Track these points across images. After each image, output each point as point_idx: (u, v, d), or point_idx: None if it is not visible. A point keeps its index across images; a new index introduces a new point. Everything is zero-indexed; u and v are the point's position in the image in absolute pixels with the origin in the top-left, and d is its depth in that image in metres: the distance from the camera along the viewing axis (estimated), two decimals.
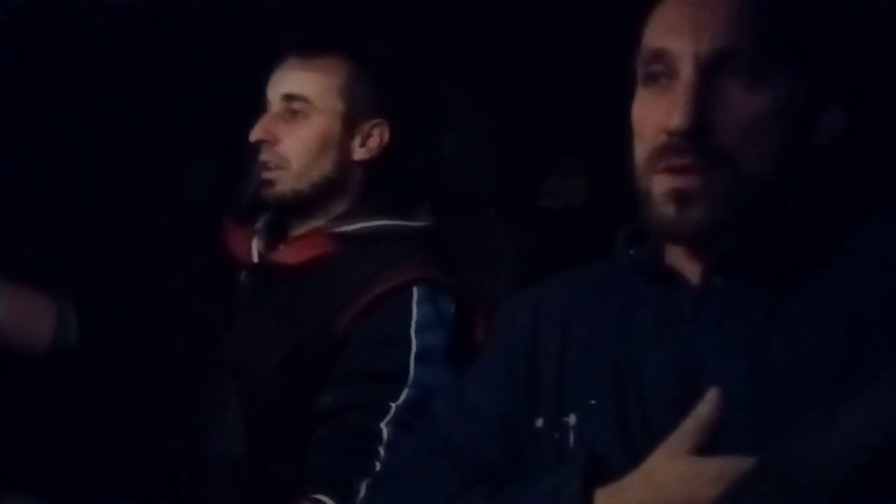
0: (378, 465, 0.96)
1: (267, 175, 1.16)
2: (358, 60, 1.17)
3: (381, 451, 0.98)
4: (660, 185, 0.73)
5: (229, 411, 1.11)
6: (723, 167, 0.71)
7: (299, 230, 1.18)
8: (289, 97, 1.15)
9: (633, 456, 0.71)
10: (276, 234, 1.21)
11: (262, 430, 1.09)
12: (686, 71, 0.72)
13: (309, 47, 1.17)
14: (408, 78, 1.23)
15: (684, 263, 0.77)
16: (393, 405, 1.01)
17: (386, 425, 0.99)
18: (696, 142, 0.71)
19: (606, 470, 0.70)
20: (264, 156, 1.16)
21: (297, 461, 1.03)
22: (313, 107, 1.15)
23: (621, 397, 0.75)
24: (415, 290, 1.07)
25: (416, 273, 1.08)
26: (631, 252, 0.81)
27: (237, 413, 1.11)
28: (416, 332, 1.05)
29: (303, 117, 1.15)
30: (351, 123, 1.16)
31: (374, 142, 1.18)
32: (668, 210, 0.73)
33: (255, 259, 1.19)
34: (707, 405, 0.63)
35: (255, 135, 1.16)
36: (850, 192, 0.81)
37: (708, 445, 0.63)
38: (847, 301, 0.69)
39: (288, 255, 1.16)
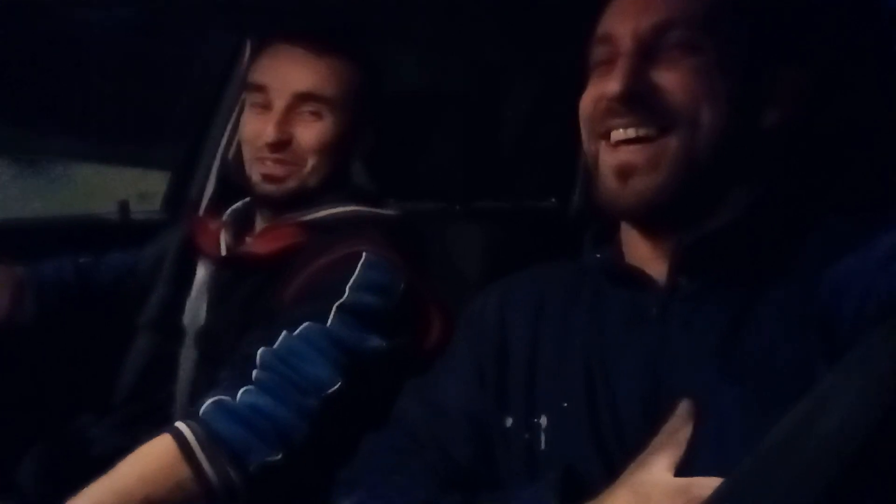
0: (246, 387, 0.93)
1: (273, 171, 1.12)
2: (363, 63, 1.15)
3: (254, 372, 0.94)
4: (605, 159, 0.74)
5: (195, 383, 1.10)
6: (667, 135, 0.72)
7: (269, 221, 1.17)
8: (304, 96, 1.11)
9: (605, 459, 0.70)
10: (243, 226, 1.19)
11: None
12: (625, 46, 0.73)
13: (322, 42, 1.13)
14: (386, 81, 1.22)
15: (649, 263, 0.77)
16: (285, 332, 0.96)
17: (264, 349, 0.95)
18: (633, 105, 0.71)
19: (579, 477, 0.69)
20: (276, 154, 1.11)
21: None
22: (331, 109, 1.11)
23: (592, 400, 0.74)
24: (363, 255, 1.04)
25: (368, 245, 1.06)
26: (598, 256, 0.81)
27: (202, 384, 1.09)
28: (350, 287, 1.01)
29: (318, 118, 1.11)
30: (358, 125, 1.15)
31: (365, 145, 1.18)
32: (611, 183, 0.74)
33: (224, 252, 1.16)
34: (679, 419, 0.63)
35: (270, 134, 1.10)
36: (815, 187, 0.82)
37: (682, 460, 0.63)
38: (817, 299, 0.69)
39: (257, 246, 1.13)
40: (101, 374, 1.24)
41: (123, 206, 1.59)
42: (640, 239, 0.78)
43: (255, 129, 1.12)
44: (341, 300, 1.00)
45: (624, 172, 0.73)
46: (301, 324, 0.98)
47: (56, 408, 1.24)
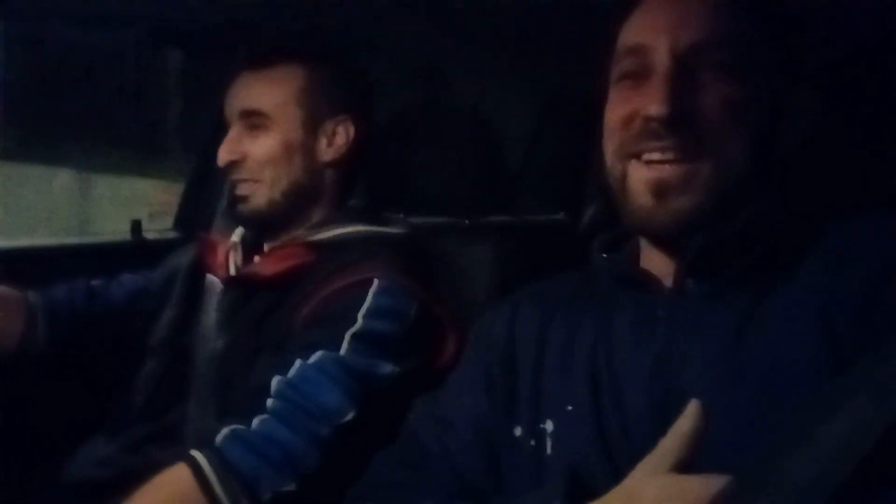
0: (262, 417, 0.94)
1: (240, 192, 1.15)
2: (311, 65, 1.17)
3: (269, 401, 0.95)
4: (637, 176, 0.74)
5: (210, 427, 1.09)
6: (701, 157, 0.72)
7: (276, 241, 1.17)
8: (247, 113, 1.15)
9: (612, 463, 0.70)
10: (252, 247, 1.20)
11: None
12: (663, 63, 0.72)
13: (260, 60, 1.17)
14: (363, 72, 1.23)
15: (659, 267, 0.77)
16: (300, 362, 0.97)
17: (279, 379, 0.96)
18: (674, 130, 0.71)
19: (586, 481, 0.69)
20: (235, 174, 1.15)
21: None
22: (272, 120, 1.14)
23: (599, 403, 0.74)
24: (375, 282, 1.05)
25: (379, 272, 1.06)
26: (605, 256, 0.81)
27: (217, 428, 1.09)
28: (363, 315, 1.02)
29: (263, 130, 1.14)
30: (313, 127, 1.16)
31: (340, 139, 1.17)
32: (645, 201, 0.73)
33: (233, 272, 1.17)
34: (687, 419, 0.62)
35: (222, 158, 1.15)
36: (823, 190, 0.82)
37: (690, 461, 0.62)
38: (824, 302, 0.69)
39: (265, 266, 1.14)
40: (111, 396, 1.24)
41: (136, 226, 1.60)
42: (652, 244, 0.79)
43: (219, 153, 1.16)
44: (354, 328, 1.00)
45: (659, 191, 0.72)
46: (315, 352, 0.98)
47: (66, 430, 1.24)
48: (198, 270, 1.23)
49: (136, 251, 1.53)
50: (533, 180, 2.06)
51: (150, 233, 1.66)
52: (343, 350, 0.99)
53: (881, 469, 0.46)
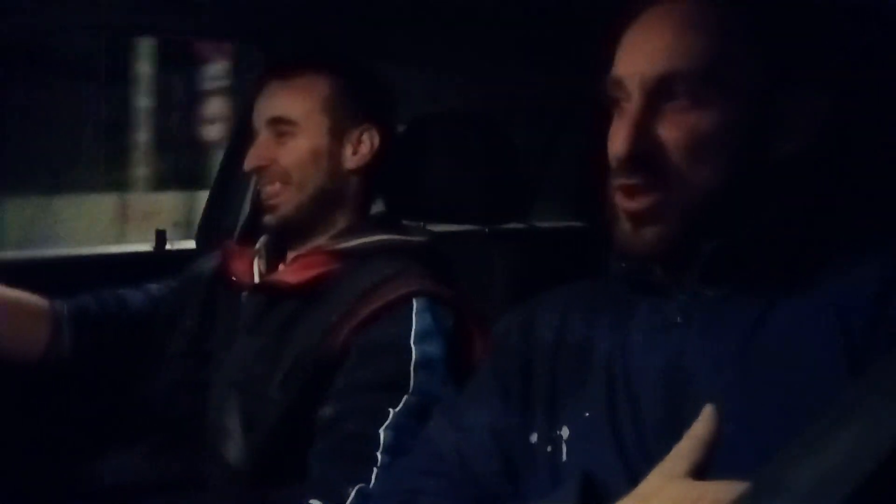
0: (375, 471, 0.96)
1: (269, 198, 1.18)
2: (337, 73, 1.20)
3: (380, 456, 0.98)
4: (619, 205, 0.77)
5: (230, 433, 1.11)
6: (671, 187, 0.74)
7: (300, 249, 1.20)
8: (275, 121, 1.18)
9: (628, 468, 0.71)
10: (276, 254, 1.22)
11: (264, 450, 1.09)
12: (634, 97, 0.75)
13: (288, 69, 1.20)
14: (385, 82, 1.26)
15: (674, 274, 0.78)
16: (392, 411, 1.00)
17: (384, 430, 0.99)
18: (638, 165, 0.74)
19: (601, 486, 0.69)
20: (263, 180, 1.19)
21: (300, 477, 1.02)
22: (300, 127, 1.17)
23: (614, 409, 0.75)
24: (414, 302, 1.07)
25: (415, 286, 1.09)
26: (623, 265, 0.83)
27: (241, 433, 1.11)
28: (415, 342, 1.05)
29: (290, 137, 1.18)
30: (339, 134, 1.19)
31: (364, 148, 1.20)
32: (625, 228, 0.77)
33: (257, 279, 1.19)
34: (703, 424, 0.62)
35: (249, 164, 1.19)
36: (838, 199, 0.83)
37: (705, 466, 0.62)
38: (839, 307, 0.70)
39: (290, 274, 1.16)
40: (133, 403, 1.26)
41: (160, 236, 1.62)
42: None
43: (247, 158, 1.20)
44: (414, 359, 1.03)
45: (633, 220, 0.76)
46: (387, 393, 1.01)
47: (88, 437, 1.26)
48: (221, 278, 1.24)
49: (160, 262, 1.55)
50: (550, 188, 2.07)
51: (174, 244, 1.67)
52: (412, 385, 1.02)
53: (892, 479, 0.47)
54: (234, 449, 1.10)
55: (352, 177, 1.20)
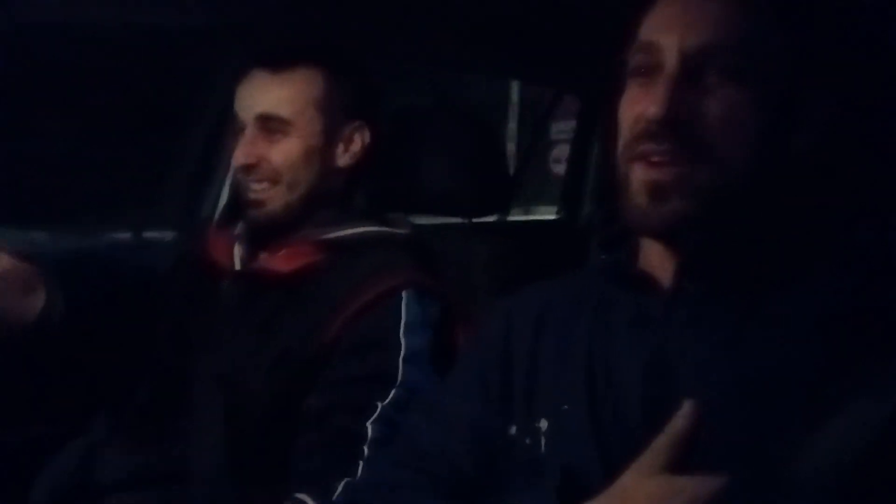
0: (362, 465, 0.96)
1: (256, 195, 1.14)
2: (329, 68, 1.16)
3: (366, 449, 0.97)
4: (635, 176, 0.74)
5: (214, 424, 1.10)
6: (699, 161, 0.72)
7: (283, 237, 1.17)
8: (265, 118, 1.14)
9: (607, 462, 0.70)
10: (258, 241, 1.19)
11: (249, 442, 1.08)
12: (670, 63, 0.72)
13: (279, 60, 1.15)
14: (373, 77, 1.23)
15: (657, 268, 0.78)
16: (379, 404, 1.00)
17: (372, 424, 0.98)
18: (672, 132, 0.71)
19: (580, 480, 0.70)
20: (251, 177, 1.14)
21: (286, 470, 1.02)
22: (292, 125, 1.13)
23: (594, 402, 0.75)
24: (402, 295, 1.07)
25: (403, 278, 1.08)
26: (603, 257, 0.82)
27: (223, 425, 1.09)
28: (403, 334, 1.04)
29: (282, 135, 1.14)
30: (332, 133, 1.16)
31: (356, 146, 1.18)
32: (641, 201, 0.73)
33: (239, 266, 1.17)
34: (681, 419, 0.62)
35: (238, 160, 1.14)
36: (827, 196, 0.82)
37: (683, 461, 0.62)
38: (821, 305, 0.69)
39: (276, 262, 1.14)
40: (113, 392, 1.24)
41: (136, 225, 1.60)
42: (653, 244, 0.79)
43: (234, 154, 1.15)
44: (403, 352, 1.03)
45: (653, 192, 0.72)
46: (373, 385, 1.01)
47: (73, 413, 1.24)
48: (201, 264, 1.22)
49: (138, 252, 1.53)
50: (532, 180, 2.07)
51: (151, 234, 1.65)
52: (400, 378, 1.01)
53: (878, 470, 0.47)
54: (217, 441, 1.09)
55: (341, 174, 1.18)
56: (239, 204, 1.20)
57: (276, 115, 1.13)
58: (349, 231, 1.15)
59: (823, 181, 0.82)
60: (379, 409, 0.99)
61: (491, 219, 1.57)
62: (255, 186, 1.14)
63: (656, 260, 0.78)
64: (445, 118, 1.38)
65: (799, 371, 0.67)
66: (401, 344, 1.03)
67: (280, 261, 1.13)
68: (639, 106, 0.74)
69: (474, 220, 1.45)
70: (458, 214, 1.42)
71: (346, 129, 1.17)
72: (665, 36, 0.73)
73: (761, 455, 0.51)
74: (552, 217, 2.12)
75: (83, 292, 1.19)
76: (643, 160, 0.73)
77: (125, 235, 1.61)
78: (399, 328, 1.04)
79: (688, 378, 0.71)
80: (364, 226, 1.15)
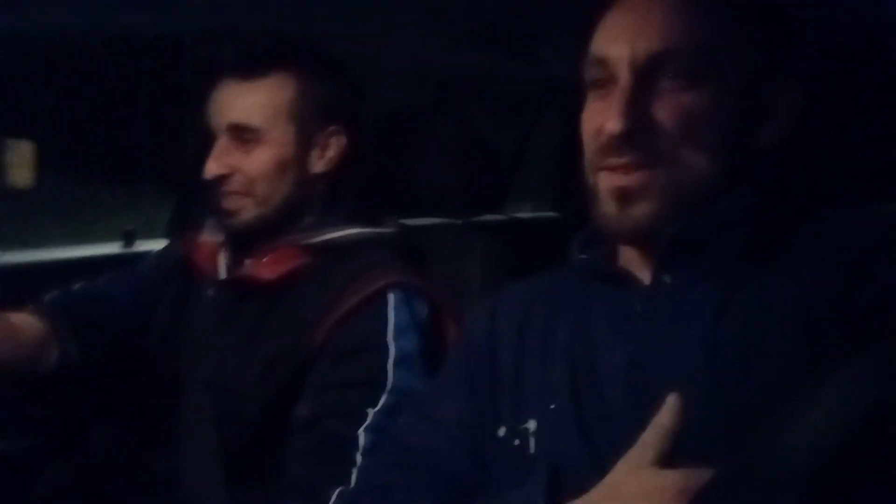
0: (355, 473, 0.95)
1: (230, 205, 1.13)
2: (301, 74, 1.14)
3: (359, 457, 0.96)
4: (603, 184, 0.75)
5: (205, 431, 1.09)
6: (662, 165, 0.73)
7: (266, 244, 1.16)
8: (236, 127, 1.12)
9: (595, 459, 0.70)
10: (242, 248, 1.18)
11: (240, 448, 1.08)
12: (623, 76, 0.73)
13: (247, 69, 1.13)
14: (354, 78, 1.20)
15: (635, 264, 0.78)
16: (371, 411, 0.99)
17: (364, 431, 0.98)
18: (632, 143, 0.72)
19: (569, 479, 0.69)
20: (224, 187, 1.12)
21: (277, 476, 1.02)
22: (263, 134, 1.11)
23: (579, 399, 0.75)
24: (389, 297, 1.06)
25: (390, 279, 1.07)
26: (582, 256, 0.82)
27: (213, 432, 1.09)
28: (392, 338, 1.03)
29: (254, 144, 1.12)
30: (306, 140, 1.14)
31: (332, 151, 1.15)
32: (610, 208, 0.75)
33: (224, 274, 1.16)
34: (667, 413, 0.63)
35: (209, 171, 1.12)
36: (799, 185, 0.82)
37: (670, 454, 0.63)
38: (799, 295, 0.69)
39: (263, 269, 1.13)
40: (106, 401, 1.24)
41: (128, 236, 1.59)
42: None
43: (206, 165, 1.13)
44: (392, 357, 1.02)
45: (620, 196, 0.74)
46: (361, 390, 1.00)
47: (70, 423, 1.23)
48: (187, 271, 1.21)
49: (130, 262, 1.53)
50: (524, 178, 2.07)
51: (143, 244, 1.65)
52: (391, 382, 1.00)
53: (858, 461, 0.47)
54: (207, 447, 1.08)
55: (319, 181, 1.15)
56: (213, 214, 1.18)
57: (248, 124, 1.11)
58: (335, 234, 1.14)
59: (795, 170, 0.82)
60: (371, 416, 0.98)
61: (484, 217, 1.56)
62: (228, 197, 1.12)
63: (634, 257, 0.78)
64: (436, 117, 1.38)
65: (779, 360, 0.67)
66: (389, 347, 1.02)
67: (265, 267, 1.12)
68: (597, 120, 0.75)
69: (468, 219, 1.45)
70: (450, 215, 1.41)
71: (321, 135, 1.14)
72: (615, 48, 0.74)
73: (742, 445, 0.51)
74: (545, 214, 2.12)
75: (94, 336, 1.19)
76: (607, 170, 0.74)
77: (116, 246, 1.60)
78: (387, 332, 1.03)
79: (670, 371, 0.71)
80: (348, 228, 1.14)
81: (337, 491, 0.92)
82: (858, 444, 0.46)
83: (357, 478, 0.93)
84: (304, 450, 1.00)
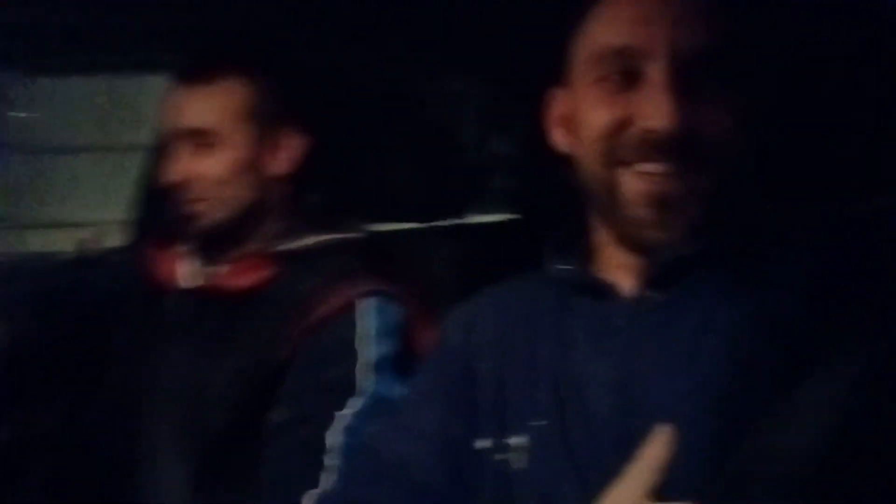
0: (327, 478, 0.94)
1: (188, 211, 1.12)
2: (255, 76, 1.14)
3: (331, 462, 0.95)
4: (632, 187, 0.71)
5: (170, 442, 1.08)
6: (701, 170, 0.69)
7: (231, 251, 1.15)
8: (192, 132, 1.11)
9: (581, 478, 0.70)
10: (205, 256, 1.17)
11: (206, 458, 1.06)
12: (661, 71, 0.69)
13: (200, 72, 1.13)
14: (310, 77, 1.20)
15: (618, 274, 0.77)
16: (343, 416, 0.98)
17: (336, 435, 0.97)
18: (677, 144, 0.68)
19: (556, 499, 0.69)
20: (183, 194, 1.12)
21: (246, 484, 1.00)
22: (219, 137, 1.11)
23: (563, 417, 0.74)
24: (361, 303, 1.05)
25: (361, 286, 1.07)
26: (559, 267, 0.80)
27: (178, 443, 1.07)
28: (364, 343, 1.03)
29: (211, 149, 1.11)
30: (262, 142, 1.13)
31: (292, 152, 1.15)
32: (644, 213, 0.71)
33: (188, 282, 1.14)
34: (656, 447, 0.62)
35: (167, 178, 1.12)
36: (781, 201, 0.82)
37: (660, 488, 0.62)
38: (782, 309, 0.69)
39: (232, 278, 1.12)
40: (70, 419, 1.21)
41: (82, 242, 1.56)
42: (617, 252, 0.77)
43: (163, 171, 1.13)
44: (364, 362, 1.01)
45: (660, 204, 0.70)
46: (336, 397, 0.99)
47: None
48: (142, 279, 1.19)
49: (84, 267, 1.49)
50: (487, 181, 2.07)
51: (98, 248, 1.61)
52: (363, 388, 1.00)
53: (839, 476, 0.47)
54: (176, 458, 1.07)
55: (278, 183, 1.15)
56: (173, 221, 1.16)
57: (203, 128, 1.11)
58: (303, 241, 1.13)
59: (778, 187, 0.82)
60: (343, 420, 0.98)
61: (450, 221, 1.56)
62: (187, 203, 1.12)
63: (616, 267, 0.76)
64: (401, 120, 1.37)
65: (758, 376, 0.67)
66: (362, 353, 1.02)
67: (233, 276, 1.12)
68: (618, 112, 0.70)
69: (430, 223, 1.44)
70: (413, 220, 1.40)
71: (279, 136, 1.14)
72: (646, 41, 0.69)
73: (729, 464, 0.51)
74: (510, 216, 2.12)
75: (49, 321, 1.18)
76: (634, 170, 0.70)
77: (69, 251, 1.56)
78: (359, 337, 1.03)
79: (655, 388, 0.70)
80: (317, 234, 1.13)
81: (308, 495, 0.92)
82: (840, 457, 0.46)
83: (329, 486, 0.91)
84: (277, 456, 0.99)
